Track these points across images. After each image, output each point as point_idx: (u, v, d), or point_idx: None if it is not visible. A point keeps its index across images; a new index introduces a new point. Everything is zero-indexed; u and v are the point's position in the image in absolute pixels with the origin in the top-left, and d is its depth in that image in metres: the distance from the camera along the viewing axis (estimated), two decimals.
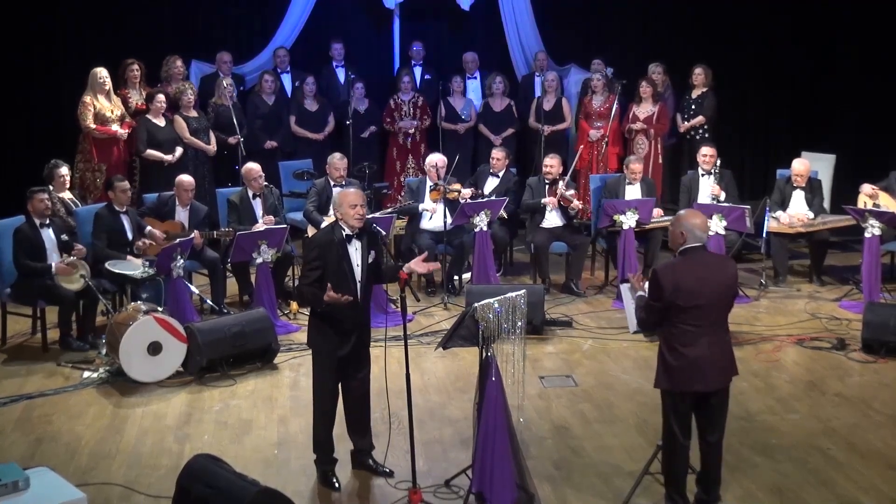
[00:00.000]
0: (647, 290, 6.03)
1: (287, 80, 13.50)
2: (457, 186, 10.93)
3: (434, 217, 10.85)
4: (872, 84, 13.87)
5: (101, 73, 11.53)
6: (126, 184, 9.88)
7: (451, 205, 10.79)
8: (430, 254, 10.80)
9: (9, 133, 13.16)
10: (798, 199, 11.19)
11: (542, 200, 10.92)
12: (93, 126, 11.38)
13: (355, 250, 6.43)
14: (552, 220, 10.99)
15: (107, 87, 11.56)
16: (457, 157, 11.27)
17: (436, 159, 11.01)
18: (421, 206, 10.91)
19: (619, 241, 10.52)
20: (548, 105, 13.10)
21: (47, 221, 9.24)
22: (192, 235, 9.78)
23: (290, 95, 13.36)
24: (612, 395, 8.10)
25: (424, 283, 10.96)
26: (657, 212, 10.91)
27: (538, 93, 13.48)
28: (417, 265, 6.58)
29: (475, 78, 13.70)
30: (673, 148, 13.25)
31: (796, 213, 11.09)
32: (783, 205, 11.22)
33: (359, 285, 6.42)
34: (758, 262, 11.42)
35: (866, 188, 10.99)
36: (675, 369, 5.83)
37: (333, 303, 6.23)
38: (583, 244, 11.03)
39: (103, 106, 11.47)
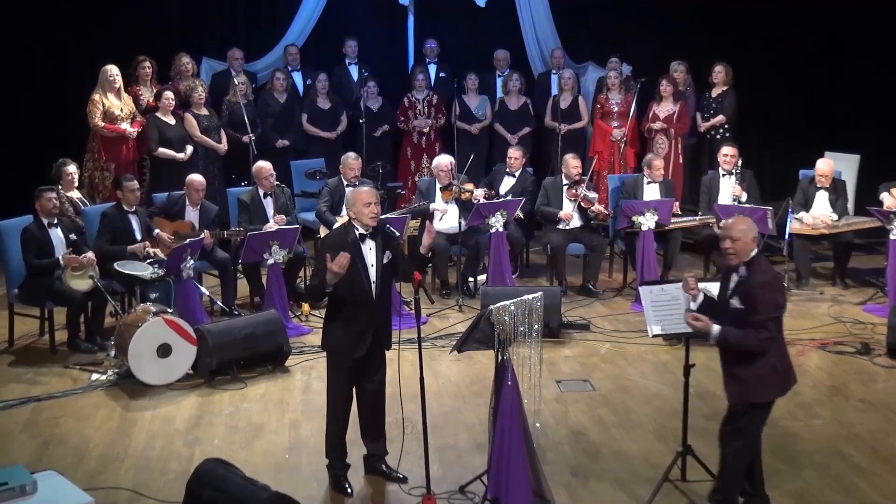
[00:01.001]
0: (697, 298, 6.05)
1: (298, 77, 13.52)
2: (469, 186, 10.91)
3: (448, 217, 10.84)
4: None
5: (112, 70, 11.56)
6: (135, 183, 9.90)
7: (464, 205, 10.78)
8: (444, 255, 10.82)
9: (16, 131, 13.21)
10: (822, 199, 11.15)
11: (559, 214, 10.90)
12: (101, 124, 11.41)
13: (369, 249, 6.43)
14: (570, 221, 10.96)
15: (117, 85, 11.59)
16: (471, 156, 11.25)
17: (444, 161, 11.00)
18: (432, 206, 10.90)
19: (637, 242, 10.51)
20: (564, 103, 13.08)
21: (55, 221, 9.26)
22: (203, 236, 9.80)
23: (301, 93, 13.37)
24: (630, 399, 8.08)
25: (439, 285, 10.96)
26: (675, 205, 10.85)
27: (554, 91, 13.46)
28: (428, 233, 6.74)
29: (506, 76, 13.65)
30: (693, 147, 13.23)
31: (819, 214, 11.05)
32: (806, 206, 11.18)
33: (373, 285, 6.41)
34: (780, 265, 11.37)
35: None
36: (782, 377, 5.94)
37: (341, 270, 6.18)
38: (601, 245, 11.01)
39: (112, 104, 11.49)
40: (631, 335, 9.60)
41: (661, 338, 9.14)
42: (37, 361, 9.07)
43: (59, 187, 10.06)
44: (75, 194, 10.39)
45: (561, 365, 8.88)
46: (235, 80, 12.47)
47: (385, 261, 6.45)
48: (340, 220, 9.99)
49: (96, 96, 11.47)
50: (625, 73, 13.31)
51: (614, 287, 11.23)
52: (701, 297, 6.13)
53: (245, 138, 12.14)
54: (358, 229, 6.41)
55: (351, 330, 6.42)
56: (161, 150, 11.61)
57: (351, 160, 10.79)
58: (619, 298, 10.87)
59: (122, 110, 11.56)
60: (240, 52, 13.18)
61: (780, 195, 11.67)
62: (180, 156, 11.64)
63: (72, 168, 10.32)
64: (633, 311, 10.27)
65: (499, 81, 13.70)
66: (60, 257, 9.06)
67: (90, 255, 9.18)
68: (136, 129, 11.63)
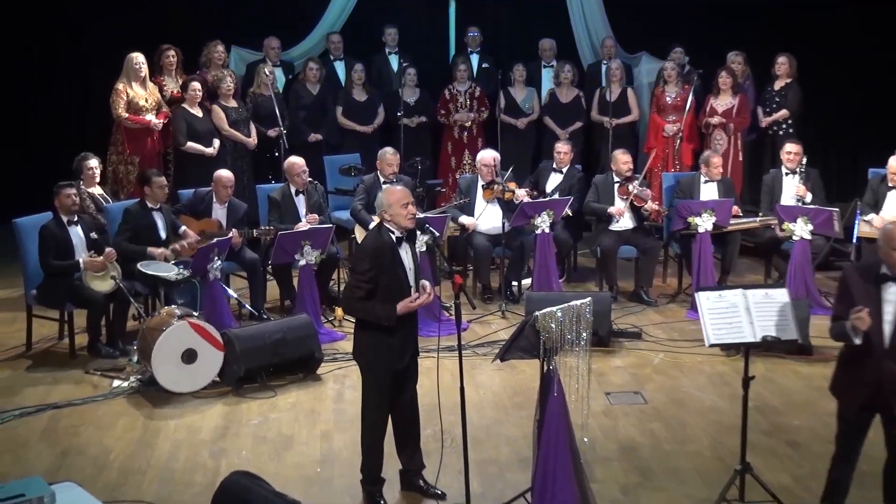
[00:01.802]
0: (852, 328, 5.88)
1: (340, 67, 13.54)
2: (512, 186, 10.90)
3: (490, 218, 10.81)
4: None
5: (138, 58, 11.63)
6: (163, 179, 9.95)
7: (508, 204, 10.77)
8: (486, 257, 10.80)
9: (38, 123, 13.36)
10: (893, 200, 11.03)
11: (609, 209, 10.87)
12: (125, 115, 11.49)
13: (406, 253, 6.42)
14: (622, 222, 10.92)
15: (142, 74, 11.66)
16: (510, 169, 11.19)
17: (488, 157, 10.97)
18: (461, 220, 10.86)
19: (693, 245, 10.45)
20: (613, 97, 13.03)
21: (75, 219, 9.33)
22: (230, 235, 9.82)
23: (343, 85, 13.39)
24: (684, 413, 8.04)
25: (480, 289, 10.95)
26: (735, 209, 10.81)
27: (604, 83, 13.41)
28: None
29: (552, 67, 13.63)
30: (753, 144, 13.14)
31: (891, 215, 10.93)
32: (876, 207, 11.05)
33: (412, 290, 6.40)
34: None
35: None
36: None
37: (407, 311, 6.23)
38: (654, 248, 10.96)
39: (137, 94, 11.57)
40: (686, 345, 9.55)
41: (719, 348, 9.12)
42: (55, 366, 9.14)
43: (81, 182, 10.15)
44: (97, 190, 10.47)
45: (611, 376, 8.86)
46: (265, 70, 12.50)
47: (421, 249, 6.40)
48: (377, 219, 9.99)
49: (120, 86, 11.55)
50: (682, 63, 13.23)
51: (668, 293, 11.18)
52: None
53: (272, 132, 12.18)
54: (393, 232, 6.40)
55: (391, 341, 6.39)
56: (190, 143, 11.66)
57: (389, 155, 10.81)
58: (673, 305, 10.83)
59: (147, 101, 11.64)
60: (277, 41, 13.23)
61: (848, 196, 11.58)
62: (209, 151, 11.69)
63: (93, 162, 10.39)
64: (689, 319, 10.23)
65: (544, 73, 13.68)
66: (81, 260, 9.13)
67: (111, 250, 9.24)
68: (161, 121, 11.69)
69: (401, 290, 6.33)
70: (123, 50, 11.74)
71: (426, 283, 6.42)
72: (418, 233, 6.52)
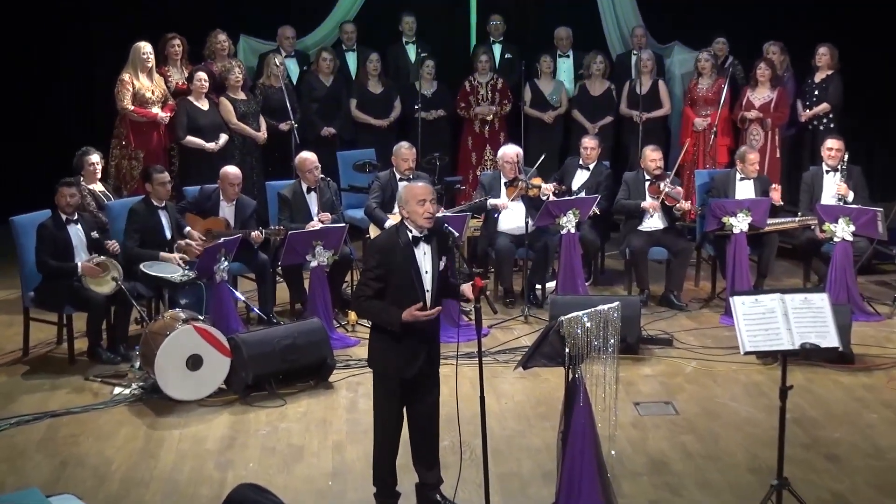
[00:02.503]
0: None
1: (352, 58, 13.56)
2: (538, 182, 10.88)
3: (513, 217, 10.80)
4: None
5: (145, 48, 11.65)
6: (166, 175, 9.97)
7: (532, 202, 10.76)
8: (508, 258, 10.79)
9: (40, 117, 13.40)
10: None
11: (642, 204, 10.85)
12: (130, 107, 11.52)
13: (423, 254, 6.40)
14: (652, 221, 10.90)
15: (149, 65, 11.70)
16: (542, 156, 11.19)
17: (511, 153, 10.92)
18: (490, 202, 10.87)
19: (728, 246, 10.43)
20: (643, 89, 12.99)
21: (75, 217, 9.36)
22: (238, 235, 9.83)
23: (353, 77, 13.41)
24: (718, 425, 8.02)
25: (502, 292, 10.95)
26: (775, 196, 10.76)
27: (635, 75, 13.38)
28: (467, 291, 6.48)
29: (568, 57, 13.62)
30: (792, 140, 13.10)
31: None
32: None
33: (428, 295, 6.38)
34: (891, 274, 11.26)
35: None
36: None
37: (414, 321, 6.23)
38: (686, 250, 10.93)
39: (143, 85, 11.61)
40: (720, 352, 9.53)
41: (755, 356, 9.11)
42: (54, 372, 9.16)
43: (81, 179, 10.18)
44: (98, 187, 10.49)
45: (640, 385, 8.85)
46: (274, 60, 12.52)
47: (441, 267, 6.42)
48: (392, 219, 10.02)
49: (126, 76, 11.58)
50: (718, 54, 13.18)
51: (701, 297, 11.16)
52: None
53: (283, 126, 12.21)
54: (411, 231, 6.39)
55: (402, 347, 6.38)
56: (189, 138, 11.70)
57: (404, 150, 10.80)
58: (706, 310, 10.80)
59: (153, 92, 11.68)
60: (291, 31, 13.27)
61: (892, 195, 11.54)
62: (210, 146, 11.72)
63: (95, 157, 10.41)
64: (723, 325, 10.20)
65: (560, 63, 13.66)
66: (79, 265, 9.15)
67: (113, 241, 9.28)
68: (167, 115, 11.72)
69: (412, 294, 6.30)
70: (129, 41, 11.76)
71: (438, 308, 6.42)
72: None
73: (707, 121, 12.65)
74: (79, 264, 9.15)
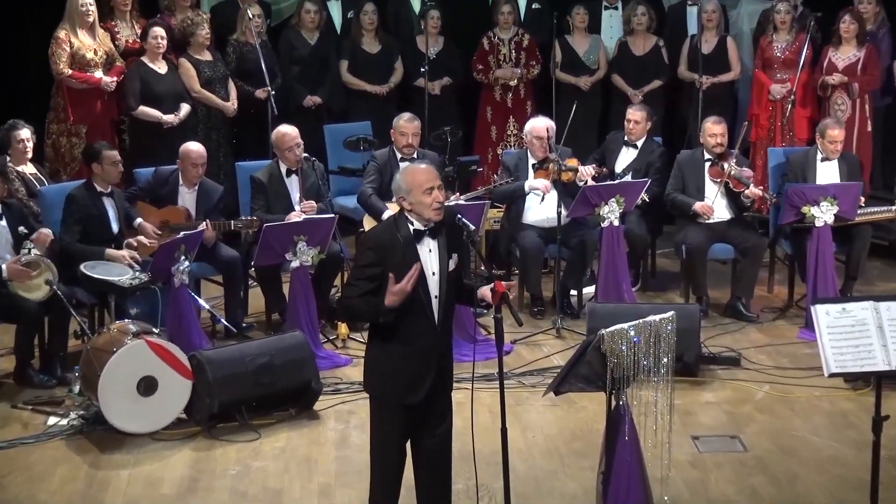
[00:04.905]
0: None
1: (336, 9, 13.58)
2: (573, 163, 10.86)
3: (543, 206, 10.79)
4: None
5: None
6: (116, 153, 9.99)
7: (566, 189, 10.75)
8: (537, 258, 10.78)
9: None
10: None
11: (695, 206, 10.81)
12: (68, 72, 11.54)
13: (429, 252, 6.38)
14: (715, 211, 10.88)
15: (90, 19, 11.70)
16: (573, 107, 11.17)
17: (540, 127, 10.92)
18: (527, 185, 10.85)
19: (809, 243, 10.42)
20: (706, 48, 12.99)
21: None
22: (202, 227, 9.85)
23: (339, 32, 13.41)
24: (796, 464, 8.02)
25: (529, 299, 10.94)
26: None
27: (693, 30, 13.37)
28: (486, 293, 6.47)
29: (616, 8, 13.60)
30: (887, 111, 13.09)
31: None
32: None
33: (435, 303, 6.38)
34: None
35: None
36: None
37: (402, 299, 6.18)
38: (757, 247, 10.91)
39: (83, 44, 11.61)
40: (798, 374, 9.53)
41: (842, 378, 9.10)
42: None
43: (8, 160, 10.18)
44: (29, 169, 10.51)
45: (699, 415, 8.85)
46: (248, 11, 12.49)
47: (451, 267, 6.39)
48: (392, 208, 10.01)
49: (62, 34, 11.58)
50: (798, 5, 13.16)
51: (775, 306, 11.17)
52: None
53: (260, 93, 12.23)
54: (413, 224, 6.38)
55: (405, 366, 6.37)
56: (143, 108, 11.71)
57: (403, 122, 10.80)
58: (781, 322, 10.81)
59: (96, 53, 11.69)
60: None
61: None
62: (168, 118, 11.73)
63: (24, 133, 10.42)
64: (802, 341, 10.22)
65: (605, 17, 13.65)
66: (3, 267, 9.13)
67: (46, 231, 9.26)
68: (114, 79, 11.73)
69: (414, 301, 6.27)
70: None
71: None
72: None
73: (786, 87, 12.61)
74: (2, 266, 9.13)
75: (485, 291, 6.38)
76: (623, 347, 6.10)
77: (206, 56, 12.13)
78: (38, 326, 9.41)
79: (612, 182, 10.82)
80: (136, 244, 9.71)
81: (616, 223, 10.52)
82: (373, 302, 6.22)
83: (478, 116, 13.54)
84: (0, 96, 13.27)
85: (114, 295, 9.34)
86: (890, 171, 12.01)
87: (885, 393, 6.53)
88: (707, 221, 10.84)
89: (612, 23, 13.70)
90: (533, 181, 10.80)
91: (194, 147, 10.43)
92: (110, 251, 9.59)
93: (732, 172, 10.77)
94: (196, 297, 9.92)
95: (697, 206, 10.81)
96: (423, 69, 12.71)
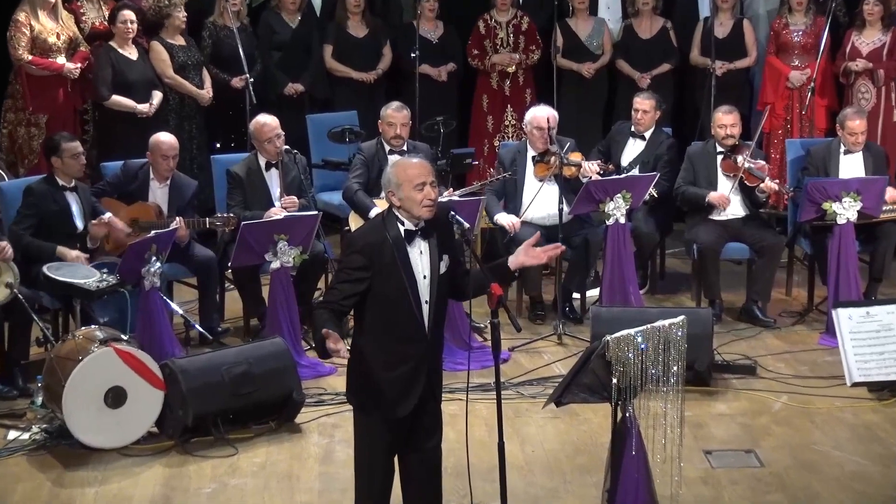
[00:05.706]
0: None
1: None
2: (576, 157, 10.86)
3: (543, 203, 10.80)
4: None
5: None
6: (78, 145, 9.95)
7: (568, 184, 10.74)
8: None
9: None
10: None
11: (708, 197, 10.81)
12: (28, 57, 11.52)
13: (420, 254, 6.36)
14: (728, 208, 10.88)
15: (52, 0, 11.67)
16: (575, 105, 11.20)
17: (541, 116, 10.92)
18: (496, 218, 10.79)
19: (830, 242, 10.42)
20: (721, 31, 13.00)
21: None
22: (174, 225, 9.83)
23: (319, 14, 13.42)
24: (816, 481, 8.02)
25: (528, 302, 10.94)
26: (890, 195, 10.74)
27: (705, 12, 13.37)
28: (528, 254, 6.50)
29: None
30: None
31: None
32: None
33: (426, 308, 6.36)
34: None
35: None
36: None
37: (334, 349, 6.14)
38: (774, 247, 10.92)
39: (45, 27, 11.60)
40: (819, 384, 9.50)
41: (866, 387, 9.10)
42: None
43: None
44: None
45: (712, 427, 8.86)
46: None
47: (443, 270, 6.37)
48: (381, 205, 10.00)
49: (21, 16, 11.57)
50: None
51: (794, 310, 11.19)
52: None
53: (237, 81, 12.23)
54: (404, 223, 6.36)
55: (393, 376, 6.35)
56: (116, 98, 11.69)
57: (391, 112, 10.79)
58: (801, 328, 10.83)
59: (58, 37, 11.67)
60: None
61: None
62: (143, 107, 11.72)
63: None
64: (823, 347, 10.20)
65: None
66: None
67: (4, 244, 9.23)
68: (78, 66, 11.71)
69: (401, 304, 6.26)
70: None
71: None
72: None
73: (806, 73, 12.61)
74: None
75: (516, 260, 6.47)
76: (630, 355, 6.10)
77: (180, 41, 12.12)
78: None
79: (618, 177, 10.80)
80: (106, 221, 9.63)
81: (622, 221, 10.52)
82: (323, 322, 6.15)
83: (473, 105, 13.54)
84: None
85: (79, 299, 9.31)
86: None
87: None
88: (721, 218, 10.84)
89: (608, 2, 13.68)
90: (501, 216, 10.77)
91: (165, 138, 10.40)
92: (61, 249, 9.54)
93: (747, 166, 10.76)
94: (168, 300, 9.91)
95: (712, 196, 10.80)
96: (413, 54, 12.67)
